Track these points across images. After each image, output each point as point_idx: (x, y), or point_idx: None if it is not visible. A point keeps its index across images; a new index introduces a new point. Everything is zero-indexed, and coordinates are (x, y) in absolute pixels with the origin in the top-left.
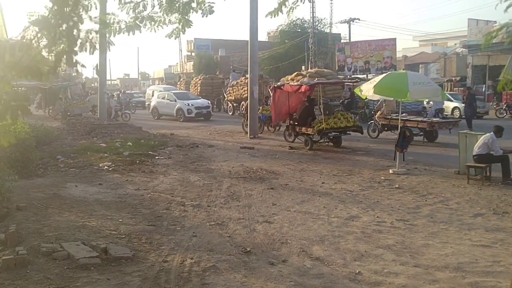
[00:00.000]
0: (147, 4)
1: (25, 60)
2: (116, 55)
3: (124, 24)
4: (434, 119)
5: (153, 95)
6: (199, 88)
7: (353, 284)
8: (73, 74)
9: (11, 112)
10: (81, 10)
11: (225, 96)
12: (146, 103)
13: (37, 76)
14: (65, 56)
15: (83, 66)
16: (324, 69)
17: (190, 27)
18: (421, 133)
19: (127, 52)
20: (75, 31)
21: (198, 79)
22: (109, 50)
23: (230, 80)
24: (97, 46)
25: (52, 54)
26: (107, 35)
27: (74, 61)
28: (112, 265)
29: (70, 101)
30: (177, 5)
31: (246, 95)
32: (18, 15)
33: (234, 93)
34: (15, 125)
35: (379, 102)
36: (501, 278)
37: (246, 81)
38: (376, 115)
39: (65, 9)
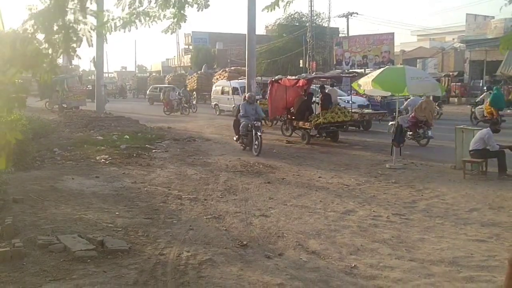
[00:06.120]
0: (143, 0)
1: (27, 53)
2: (114, 48)
3: (119, 21)
4: (366, 111)
5: (222, 93)
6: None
7: (349, 278)
8: (70, 66)
9: (8, 104)
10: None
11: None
12: (213, 103)
13: (38, 70)
14: (62, 47)
15: (78, 57)
16: (242, 67)
17: (185, 22)
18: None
19: (125, 45)
20: (71, 23)
21: (170, 76)
22: (106, 43)
23: (189, 77)
24: (84, 39)
25: (50, 47)
26: (103, 32)
27: (71, 52)
28: (108, 258)
29: (67, 94)
30: (172, 0)
31: (195, 86)
32: (15, 7)
33: (190, 85)
34: (9, 117)
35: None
36: (496, 272)
37: (197, 76)
38: None
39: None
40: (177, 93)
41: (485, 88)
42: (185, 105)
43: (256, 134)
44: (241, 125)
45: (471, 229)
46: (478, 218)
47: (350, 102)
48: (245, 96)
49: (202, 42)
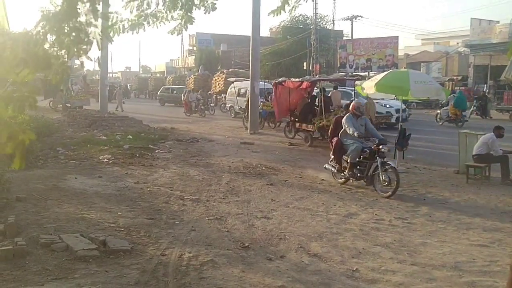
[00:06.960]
0: (151, 2)
1: (39, 54)
2: (118, 48)
3: (127, 23)
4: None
5: (238, 94)
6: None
7: (350, 281)
8: (75, 66)
9: (20, 104)
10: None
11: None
12: (228, 105)
13: (50, 71)
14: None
15: (89, 59)
16: (240, 69)
17: (192, 24)
18: None
19: (129, 45)
20: (80, 24)
21: (171, 77)
22: (111, 44)
23: (187, 78)
24: (94, 42)
25: (62, 48)
26: (111, 33)
27: (83, 54)
28: (110, 258)
29: (71, 93)
30: (180, 2)
31: (192, 87)
32: (25, 9)
33: (188, 86)
34: (17, 117)
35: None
36: (498, 278)
37: (194, 78)
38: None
39: (76, 4)
40: (195, 95)
41: (452, 91)
42: (202, 107)
43: (383, 164)
44: (352, 149)
45: (473, 234)
46: (481, 223)
47: (387, 106)
48: (347, 105)
49: (207, 43)
